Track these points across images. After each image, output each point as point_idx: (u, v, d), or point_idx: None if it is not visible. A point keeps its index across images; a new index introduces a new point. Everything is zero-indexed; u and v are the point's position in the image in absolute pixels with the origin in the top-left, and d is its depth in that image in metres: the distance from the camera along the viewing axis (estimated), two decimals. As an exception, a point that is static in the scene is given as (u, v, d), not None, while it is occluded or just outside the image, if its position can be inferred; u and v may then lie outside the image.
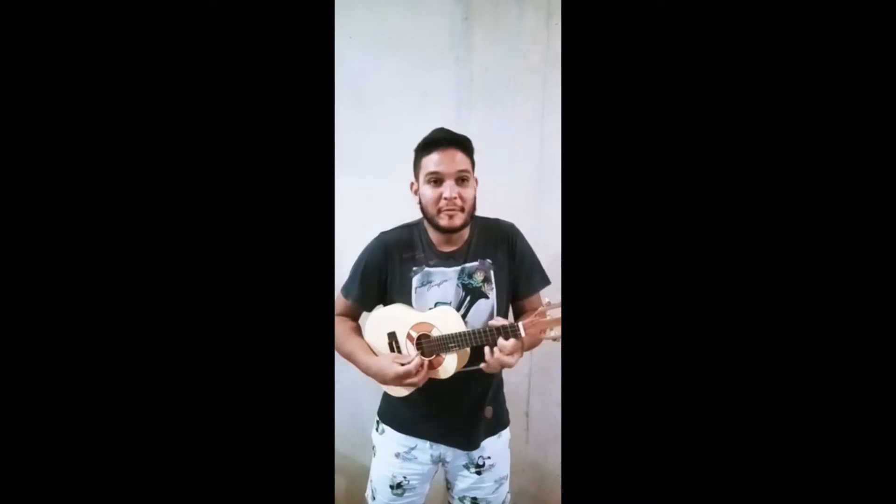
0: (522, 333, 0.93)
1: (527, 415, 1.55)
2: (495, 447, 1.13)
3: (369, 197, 1.41)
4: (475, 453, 1.11)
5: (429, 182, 1.01)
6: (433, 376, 1.02)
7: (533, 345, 1.05)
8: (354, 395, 1.22)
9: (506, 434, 1.17)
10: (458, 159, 1.00)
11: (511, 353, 0.93)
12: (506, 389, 1.49)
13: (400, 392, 1.06)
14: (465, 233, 1.09)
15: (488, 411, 1.10)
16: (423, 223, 1.10)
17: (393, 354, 1.05)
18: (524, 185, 1.44)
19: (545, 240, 1.42)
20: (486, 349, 0.94)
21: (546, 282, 1.11)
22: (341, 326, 1.10)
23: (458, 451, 1.11)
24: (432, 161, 1.00)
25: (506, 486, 1.17)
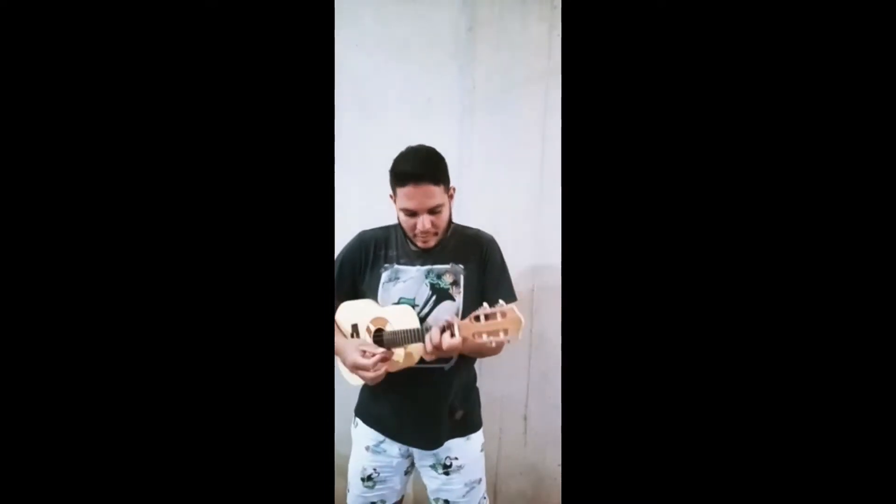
0: (457, 334, 0.94)
1: (525, 418, 1.56)
2: (463, 448, 1.14)
3: (372, 202, 1.42)
4: (441, 453, 1.12)
5: (404, 212, 1.04)
6: (387, 369, 1.07)
7: (479, 346, 1.01)
8: (355, 397, 1.23)
9: (477, 438, 1.17)
10: (431, 194, 1.01)
11: (440, 345, 0.95)
12: (505, 394, 1.51)
13: (357, 380, 1.10)
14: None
15: (458, 414, 1.12)
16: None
17: (358, 341, 1.09)
18: (525, 191, 1.45)
19: (545, 246, 1.43)
20: (427, 337, 0.98)
21: (512, 297, 1.11)
22: None
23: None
24: (406, 195, 1.01)
25: (479, 491, 1.16)
